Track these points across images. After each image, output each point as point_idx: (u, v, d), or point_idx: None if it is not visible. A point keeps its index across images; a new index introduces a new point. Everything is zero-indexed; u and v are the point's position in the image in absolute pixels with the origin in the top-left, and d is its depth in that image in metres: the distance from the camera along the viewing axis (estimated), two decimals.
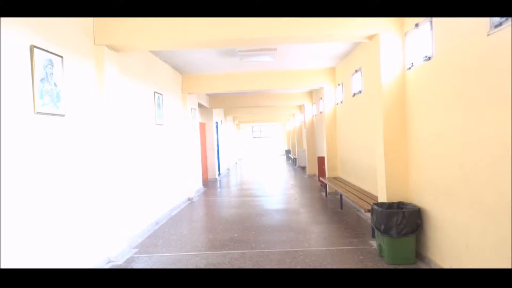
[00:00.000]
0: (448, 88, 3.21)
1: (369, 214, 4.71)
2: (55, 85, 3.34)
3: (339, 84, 7.86)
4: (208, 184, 11.46)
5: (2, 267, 2.58)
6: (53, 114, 3.31)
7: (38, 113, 3.08)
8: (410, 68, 3.97)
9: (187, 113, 8.34)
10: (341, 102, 7.73)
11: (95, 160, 4.05)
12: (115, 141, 4.35)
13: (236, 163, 21.10)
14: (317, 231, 5.30)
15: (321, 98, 9.38)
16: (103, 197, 4.16)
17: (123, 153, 4.70)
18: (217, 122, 13.65)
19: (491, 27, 2.58)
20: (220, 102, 12.01)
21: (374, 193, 5.47)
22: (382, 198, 4.30)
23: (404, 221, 3.66)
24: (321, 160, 9.57)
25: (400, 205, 4.01)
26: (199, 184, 9.75)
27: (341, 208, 6.74)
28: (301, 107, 14.73)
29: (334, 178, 8.08)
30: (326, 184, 8.15)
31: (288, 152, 22.96)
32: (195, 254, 4.43)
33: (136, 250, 4.70)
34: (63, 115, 3.47)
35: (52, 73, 3.29)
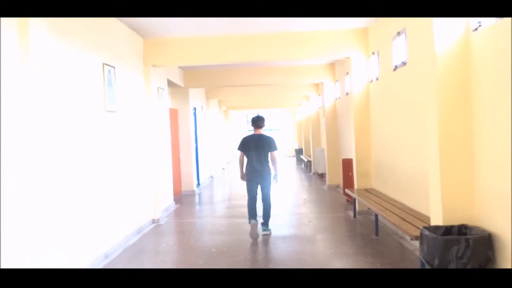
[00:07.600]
0: None
1: (417, 243, 4.71)
2: None
3: (373, 53, 7.86)
4: (182, 198, 11.47)
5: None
6: None
7: None
8: (477, 28, 3.94)
9: (151, 94, 8.33)
10: (377, 79, 7.73)
11: None
12: (35, 135, 4.33)
13: (223, 168, 21.14)
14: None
15: (347, 73, 9.37)
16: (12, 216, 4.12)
17: (49, 153, 4.60)
18: (195, 108, 13.64)
19: None
20: (199, 79, 12.00)
21: (425, 212, 5.47)
22: (436, 220, 4.30)
23: (468, 252, 3.65)
24: (347, 164, 9.59)
25: (462, 230, 4.01)
26: (169, 199, 9.74)
27: (377, 234, 6.76)
28: (318, 86, 14.73)
29: (367, 190, 8.09)
30: (354, 199, 8.16)
31: (299, 152, 23.01)
32: None
33: None
34: None
35: None
